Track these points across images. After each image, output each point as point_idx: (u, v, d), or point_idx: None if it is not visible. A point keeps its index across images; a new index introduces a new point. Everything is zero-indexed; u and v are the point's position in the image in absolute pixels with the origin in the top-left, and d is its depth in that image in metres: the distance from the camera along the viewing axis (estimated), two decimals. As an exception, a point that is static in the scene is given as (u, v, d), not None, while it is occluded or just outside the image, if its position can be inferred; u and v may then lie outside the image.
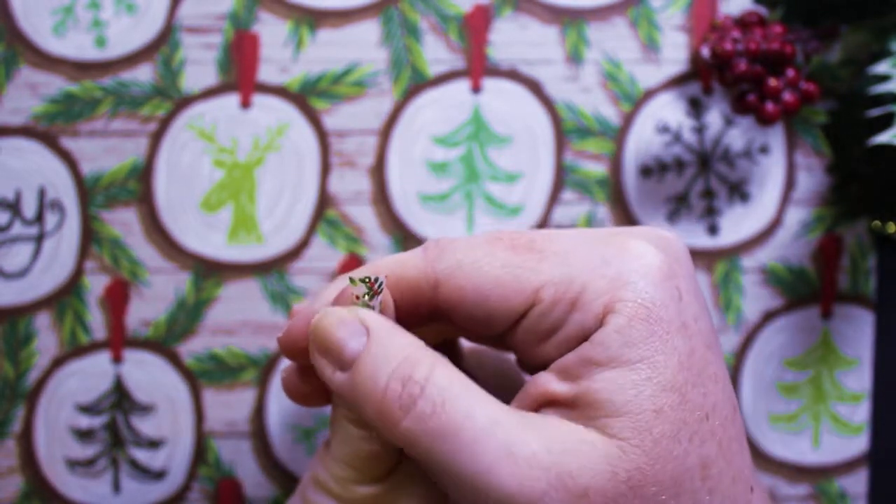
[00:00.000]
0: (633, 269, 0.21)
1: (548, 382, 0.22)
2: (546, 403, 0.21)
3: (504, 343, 0.24)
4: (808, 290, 0.41)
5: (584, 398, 0.21)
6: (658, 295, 0.21)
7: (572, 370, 0.21)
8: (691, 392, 0.20)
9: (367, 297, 0.22)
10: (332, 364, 0.21)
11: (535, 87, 0.41)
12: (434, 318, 0.24)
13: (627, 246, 0.22)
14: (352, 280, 0.23)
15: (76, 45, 0.40)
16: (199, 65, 0.40)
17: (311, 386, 0.25)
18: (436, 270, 0.22)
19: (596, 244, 0.22)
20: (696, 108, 0.41)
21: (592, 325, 0.21)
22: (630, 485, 0.19)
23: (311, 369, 0.25)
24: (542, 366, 0.23)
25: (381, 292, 0.23)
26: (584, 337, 0.21)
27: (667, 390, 0.20)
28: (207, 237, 0.40)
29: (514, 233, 0.23)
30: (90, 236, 0.40)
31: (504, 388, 0.26)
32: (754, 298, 0.41)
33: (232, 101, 0.40)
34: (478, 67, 0.41)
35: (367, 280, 0.22)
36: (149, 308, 0.40)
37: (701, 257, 0.41)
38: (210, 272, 0.40)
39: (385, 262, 0.24)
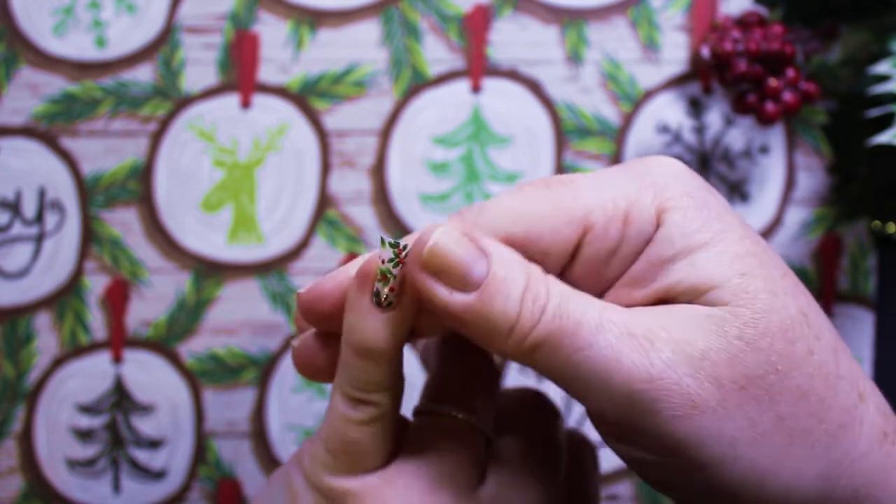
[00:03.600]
0: (665, 173, 0.22)
1: (627, 297, 0.22)
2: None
3: (563, 280, 0.24)
4: (809, 289, 0.41)
5: (669, 294, 0.21)
6: (696, 187, 0.22)
7: (645, 276, 0.22)
8: (764, 255, 0.22)
9: (392, 263, 0.22)
10: (452, 285, 0.21)
11: (535, 88, 0.41)
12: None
13: (648, 162, 0.23)
14: (381, 241, 0.23)
15: (76, 46, 0.40)
16: (200, 65, 0.40)
17: (325, 357, 0.25)
18: (480, 226, 0.22)
19: (618, 170, 0.23)
20: (696, 108, 0.41)
21: (650, 231, 0.22)
22: (744, 340, 0.20)
23: (327, 338, 0.25)
24: (607, 287, 0.23)
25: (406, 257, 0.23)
26: (645, 245, 0.22)
27: (742, 256, 0.21)
28: (208, 237, 0.40)
29: (541, 178, 0.23)
30: (90, 236, 0.40)
31: None
32: (754, 298, 0.41)
33: (232, 101, 0.40)
34: (478, 67, 0.41)
35: (395, 245, 0.22)
36: (149, 308, 0.40)
37: (701, 257, 0.41)
38: (210, 272, 0.40)
39: (424, 231, 0.24)
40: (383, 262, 0.22)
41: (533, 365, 0.21)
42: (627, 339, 0.20)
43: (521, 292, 0.21)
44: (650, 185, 0.22)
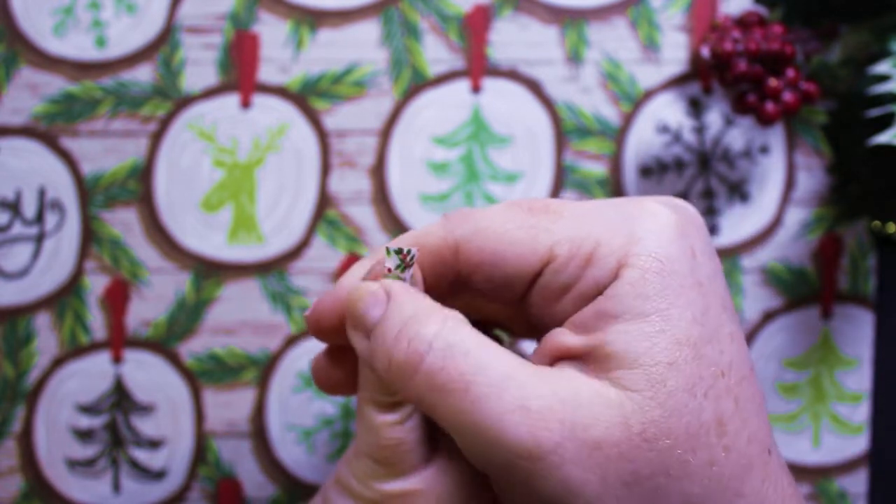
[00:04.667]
0: (648, 226, 0.21)
1: (562, 336, 0.22)
2: (560, 357, 0.22)
3: (524, 309, 0.24)
4: (808, 290, 0.41)
5: (598, 351, 0.21)
6: (672, 251, 0.21)
7: (587, 324, 0.21)
8: (706, 347, 0.20)
9: (399, 269, 0.23)
10: (360, 334, 0.22)
11: (535, 88, 0.41)
12: (458, 287, 0.24)
13: (642, 206, 0.22)
14: (387, 250, 0.23)
15: (76, 46, 0.40)
16: (200, 65, 0.40)
17: (340, 371, 0.25)
18: (455, 236, 0.23)
19: (611, 206, 0.22)
20: (696, 108, 0.41)
21: (607, 280, 0.21)
22: (644, 437, 0.19)
23: (341, 352, 0.25)
24: (558, 325, 0.23)
25: (412, 265, 0.23)
26: (598, 292, 0.21)
27: (681, 344, 0.20)
28: (208, 237, 0.40)
29: (532, 199, 0.23)
30: (90, 236, 0.40)
31: None
32: (754, 298, 0.41)
33: (232, 101, 0.40)
34: (478, 67, 0.41)
35: (399, 252, 0.23)
36: (149, 308, 0.40)
37: (701, 257, 0.41)
38: (210, 272, 0.40)
39: (409, 234, 0.24)
40: (389, 270, 0.23)
41: (426, 411, 0.21)
42: (520, 411, 0.19)
43: (398, 327, 0.21)
44: (627, 233, 0.21)
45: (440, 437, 0.24)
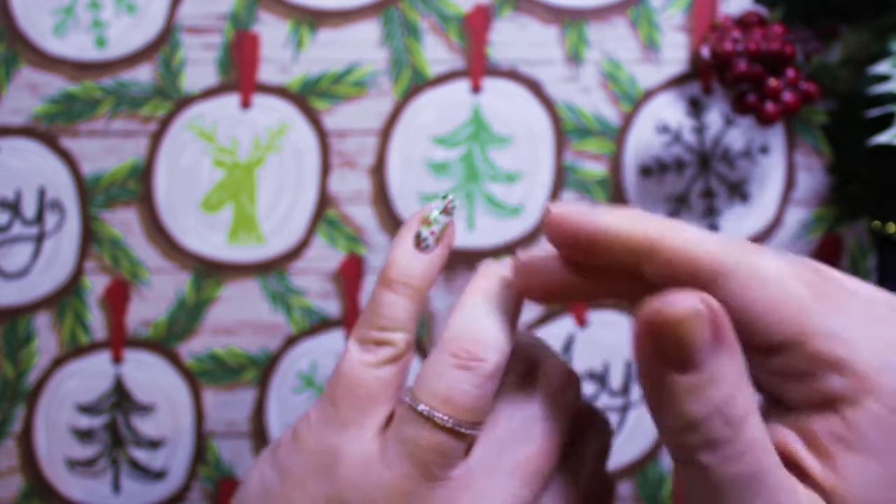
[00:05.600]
0: None
1: (795, 445, 0.22)
2: (792, 464, 0.22)
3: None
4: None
5: (832, 481, 0.21)
6: None
7: (822, 444, 0.21)
8: None
9: (438, 211, 0.26)
10: (667, 361, 0.20)
11: (535, 87, 0.41)
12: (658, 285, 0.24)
13: None
14: (443, 198, 0.27)
15: (76, 46, 0.40)
16: (199, 65, 0.40)
17: (546, 281, 0.25)
18: (729, 259, 0.22)
19: (881, 320, 0.22)
20: (696, 108, 0.41)
21: (844, 396, 0.21)
22: None
23: (571, 265, 0.25)
24: (774, 392, 0.23)
25: (451, 214, 0.26)
26: (829, 399, 0.21)
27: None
28: (207, 237, 0.40)
29: (821, 269, 0.22)
30: (90, 236, 0.40)
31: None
32: (754, 298, 0.41)
33: (232, 101, 0.40)
34: (478, 67, 0.41)
35: (444, 197, 0.26)
36: (149, 308, 0.40)
37: (701, 257, 0.41)
38: (210, 272, 0.40)
39: (675, 230, 0.23)
40: (431, 210, 0.26)
41: (684, 469, 0.21)
42: None
43: (718, 404, 0.20)
44: (884, 358, 0.21)
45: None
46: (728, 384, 0.20)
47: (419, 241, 0.27)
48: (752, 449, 0.20)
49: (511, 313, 0.26)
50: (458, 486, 0.25)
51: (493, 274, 0.27)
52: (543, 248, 0.25)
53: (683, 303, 0.19)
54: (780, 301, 0.21)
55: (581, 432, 0.28)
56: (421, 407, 0.25)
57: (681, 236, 0.23)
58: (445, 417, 0.25)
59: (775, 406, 0.23)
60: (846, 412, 0.21)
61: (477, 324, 0.26)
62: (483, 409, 0.26)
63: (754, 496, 0.20)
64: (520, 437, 0.26)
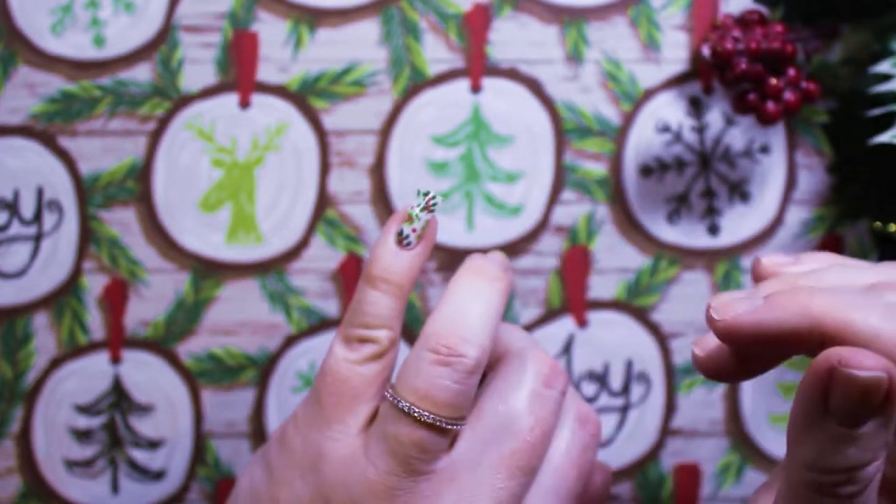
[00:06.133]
0: None
1: None
2: None
3: None
4: (809, 290, 0.41)
5: None
6: None
7: None
8: None
9: (419, 208, 0.26)
10: (833, 413, 0.20)
11: (535, 87, 0.40)
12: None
13: None
14: (418, 192, 0.26)
15: (74, 45, 0.40)
16: (198, 64, 0.40)
17: (735, 364, 0.24)
18: (830, 331, 0.21)
19: None
20: (696, 107, 0.41)
21: None
22: None
23: (748, 360, 0.24)
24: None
25: (433, 210, 0.26)
26: None
27: None
28: (206, 237, 0.40)
29: None
30: (88, 236, 0.40)
31: None
32: (755, 298, 0.41)
33: (231, 100, 0.40)
34: (478, 67, 0.40)
35: (426, 194, 0.26)
36: (148, 308, 0.40)
37: (701, 257, 0.41)
38: (209, 272, 0.40)
39: (852, 320, 0.21)
40: (412, 207, 0.26)
41: (796, 496, 0.21)
42: None
43: (856, 463, 0.20)
44: None
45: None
46: (872, 450, 0.20)
47: (401, 239, 0.27)
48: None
49: (495, 308, 0.27)
50: (441, 479, 0.25)
51: (478, 268, 0.27)
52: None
53: (872, 366, 0.19)
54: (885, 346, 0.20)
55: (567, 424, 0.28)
56: (402, 403, 0.25)
57: (853, 329, 0.21)
58: (426, 413, 0.25)
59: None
60: None
61: (458, 319, 0.26)
62: (464, 405, 0.26)
63: None
64: (505, 431, 0.26)
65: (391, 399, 0.25)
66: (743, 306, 0.22)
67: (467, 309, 0.26)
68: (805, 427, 0.20)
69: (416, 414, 0.25)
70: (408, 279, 0.27)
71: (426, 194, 0.26)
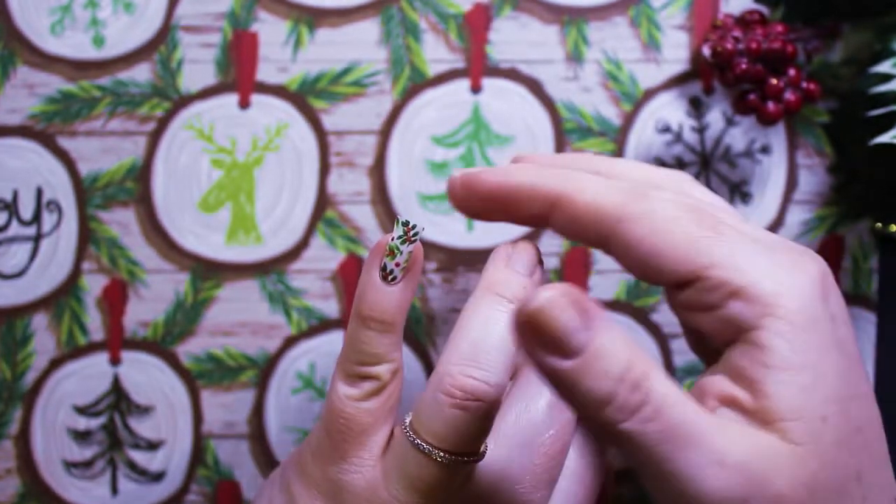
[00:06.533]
0: (799, 282, 0.22)
1: (724, 385, 0.22)
2: (726, 403, 0.22)
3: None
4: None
5: (761, 403, 0.22)
6: (818, 310, 0.22)
7: (745, 375, 0.22)
8: (850, 404, 0.22)
9: (401, 241, 0.24)
10: (549, 350, 0.21)
11: (535, 87, 0.40)
12: (596, 245, 0.25)
13: (796, 260, 0.23)
14: (396, 220, 0.25)
15: (74, 45, 0.40)
16: (198, 64, 0.40)
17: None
18: (625, 211, 0.23)
19: (771, 249, 0.23)
20: (696, 107, 0.41)
21: (750, 320, 0.22)
22: (808, 491, 0.21)
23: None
24: (692, 327, 0.24)
25: (414, 241, 0.25)
26: (738, 326, 0.22)
27: (830, 400, 0.21)
28: (206, 237, 0.40)
29: (704, 206, 0.24)
30: (88, 236, 0.40)
31: None
32: (755, 299, 0.41)
33: (231, 100, 0.40)
34: (478, 67, 0.40)
35: (406, 224, 0.24)
36: (147, 309, 0.40)
37: (702, 258, 0.41)
38: (208, 273, 0.40)
39: (578, 181, 0.24)
40: (392, 239, 0.25)
41: (615, 445, 0.21)
42: (716, 466, 0.20)
43: (619, 373, 0.21)
44: (777, 281, 0.22)
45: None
46: (618, 352, 0.21)
47: (386, 274, 0.25)
48: (666, 405, 0.21)
49: (512, 336, 0.25)
50: (466, 498, 0.25)
51: (498, 285, 0.26)
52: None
53: (539, 297, 0.20)
54: (678, 240, 0.23)
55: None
56: (422, 446, 0.25)
57: (582, 190, 0.24)
58: (445, 456, 0.24)
59: (714, 360, 0.24)
60: (756, 336, 0.22)
61: (474, 356, 0.25)
62: (483, 439, 0.25)
63: (684, 448, 0.20)
64: (527, 444, 0.26)
65: (410, 438, 0.25)
66: (488, 169, 0.25)
67: (483, 342, 0.25)
68: (558, 386, 0.21)
69: (435, 456, 0.24)
70: (399, 314, 0.26)
71: (406, 224, 0.25)
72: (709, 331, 0.23)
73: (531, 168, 0.25)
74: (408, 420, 0.26)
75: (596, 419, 0.21)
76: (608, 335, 0.21)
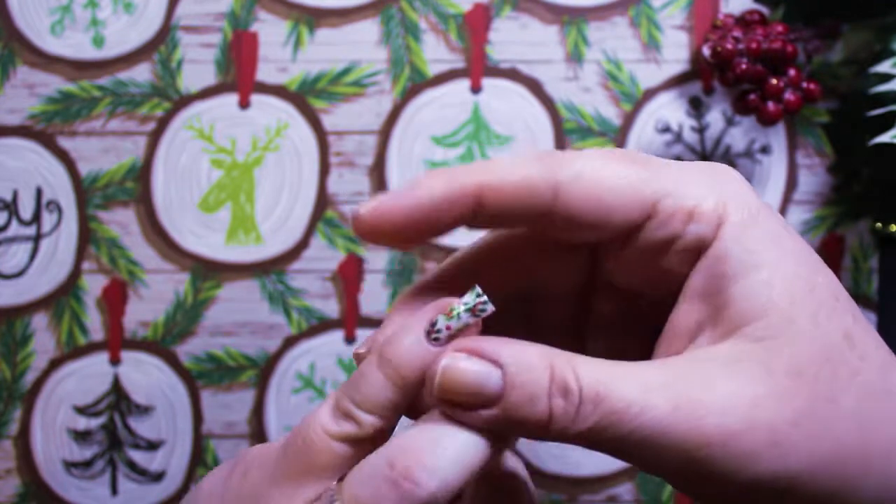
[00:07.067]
0: (736, 187, 0.23)
1: (690, 316, 0.23)
2: (696, 334, 0.23)
3: (606, 259, 0.25)
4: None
5: (726, 313, 0.22)
6: (761, 205, 0.23)
7: (706, 291, 0.22)
8: (817, 277, 0.22)
9: (464, 307, 0.23)
10: (474, 407, 0.21)
11: (535, 87, 0.40)
12: (534, 233, 0.25)
13: (725, 170, 0.23)
14: (472, 288, 0.23)
15: (74, 45, 0.40)
16: (198, 64, 0.40)
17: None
18: (557, 178, 0.23)
19: (697, 166, 0.23)
20: (696, 107, 0.41)
21: (708, 236, 0.22)
22: (790, 377, 0.21)
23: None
24: (650, 281, 0.24)
25: (478, 316, 0.23)
26: (700, 247, 0.22)
27: (795, 279, 0.22)
28: (206, 237, 0.40)
29: (625, 152, 0.24)
30: (88, 236, 0.40)
31: None
32: (755, 299, 0.41)
33: (230, 100, 0.40)
34: (478, 67, 0.40)
35: (479, 295, 0.23)
36: (147, 309, 0.40)
37: (702, 258, 0.41)
38: (208, 273, 0.40)
39: (492, 164, 0.23)
40: (460, 303, 0.23)
41: (582, 445, 0.22)
42: (673, 413, 0.20)
43: (546, 391, 0.21)
44: (720, 191, 0.22)
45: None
46: (534, 367, 0.21)
47: (432, 331, 0.24)
48: (601, 392, 0.21)
49: (481, 457, 0.23)
50: None
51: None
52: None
53: (439, 371, 0.22)
54: (620, 185, 0.22)
55: None
56: None
57: (504, 173, 0.23)
58: None
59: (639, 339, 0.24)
60: (714, 250, 0.22)
61: (433, 443, 0.23)
62: None
63: (638, 418, 0.20)
64: None
65: (333, 497, 0.23)
66: (391, 195, 0.23)
67: (449, 439, 0.23)
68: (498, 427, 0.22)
69: None
70: (418, 376, 0.24)
71: (479, 295, 0.23)
72: (658, 278, 0.23)
73: (438, 173, 0.24)
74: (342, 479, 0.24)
75: (548, 438, 0.21)
76: (519, 360, 0.21)
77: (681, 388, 0.21)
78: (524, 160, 0.23)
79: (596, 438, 0.21)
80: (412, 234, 0.24)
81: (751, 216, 0.22)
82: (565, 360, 0.21)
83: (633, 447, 0.21)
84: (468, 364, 0.21)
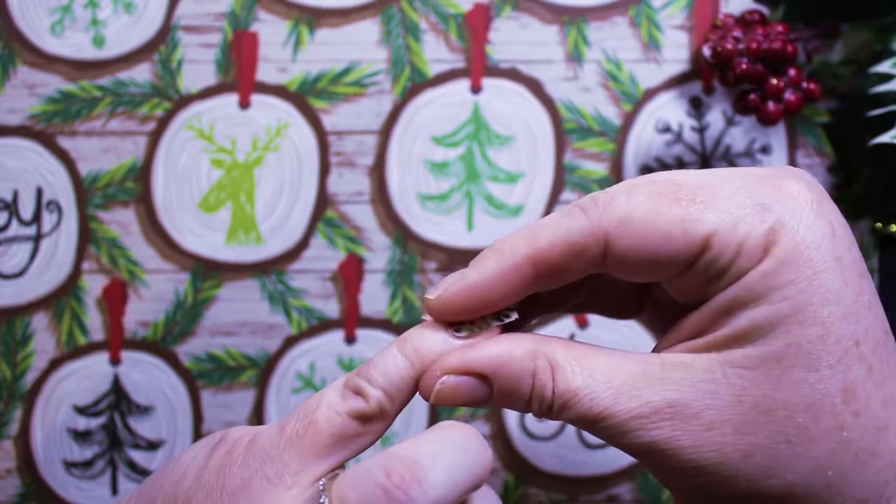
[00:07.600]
0: (789, 210, 0.22)
1: (699, 321, 0.23)
2: (695, 336, 0.23)
3: (660, 286, 0.25)
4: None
5: (722, 333, 0.22)
6: (814, 234, 0.22)
7: (721, 309, 0.23)
8: (839, 324, 0.22)
9: (493, 317, 0.25)
10: (471, 401, 0.24)
11: (535, 87, 0.40)
12: (584, 278, 0.25)
13: (782, 186, 0.23)
14: (512, 306, 0.25)
15: (74, 45, 0.40)
16: (198, 64, 0.40)
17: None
18: (604, 230, 0.23)
19: (753, 187, 0.23)
20: (697, 107, 0.41)
21: (750, 268, 0.22)
22: (757, 410, 0.21)
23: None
24: (685, 295, 0.24)
25: (502, 322, 0.25)
26: (740, 275, 0.23)
27: (805, 324, 0.21)
28: (206, 237, 0.40)
29: (670, 183, 0.23)
30: (88, 236, 0.40)
31: None
32: (755, 299, 0.41)
33: (231, 100, 0.40)
34: (478, 67, 0.40)
35: (513, 309, 0.25)
36: (147, 309, 0.40)
37: (702, 258, 0.41)
38: (208, 273, 0.40)
39: (539, 228, 0.24)
40: (492, 312, 0.25)
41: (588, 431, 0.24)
42: (640, 410, 0.22)
43: (525, 400, 0.23)
44: (771, 215, 0.22)
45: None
46: (517, 361, 0.23)
47: (459, 326, 0.25)
48: (577, 396, 0.23)
49: (472, 476, 0.23)
50: None
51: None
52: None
53: (434, 392, 0.24)
54: (668, 228, 0.22)
55: None
56: None
57: (549, 240, 0.24)
58: None
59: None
60: (743, 279, 0.22)
61: (431, 457, 0.22)
62: None
63: (616, 403, 0.22)
64: None
65: (321, 491, 0.22)
66: (451, 279, 0.24)
67: (448, 455, 0.23)
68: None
69: None
70: (432, 359, 0.25)
71: (512, 309, 0.25)
72: (694, 293, 0.24)
73: (489, 253, 0.25)
74: (334, 475, 0.23)
75: (535, 413, 0.23)
76: (500, 356, 0.23)
77: (648, 403, 0.22)
78: (569, 216, 0.24)
79: (579, 426, 0.23)
80: (480, 310, 0.25)
81: (795, 251, 0.22)
82: (543, 355, 0.23)
83: (591, 428, 0.23)
84: (456, 395, 0.23)
